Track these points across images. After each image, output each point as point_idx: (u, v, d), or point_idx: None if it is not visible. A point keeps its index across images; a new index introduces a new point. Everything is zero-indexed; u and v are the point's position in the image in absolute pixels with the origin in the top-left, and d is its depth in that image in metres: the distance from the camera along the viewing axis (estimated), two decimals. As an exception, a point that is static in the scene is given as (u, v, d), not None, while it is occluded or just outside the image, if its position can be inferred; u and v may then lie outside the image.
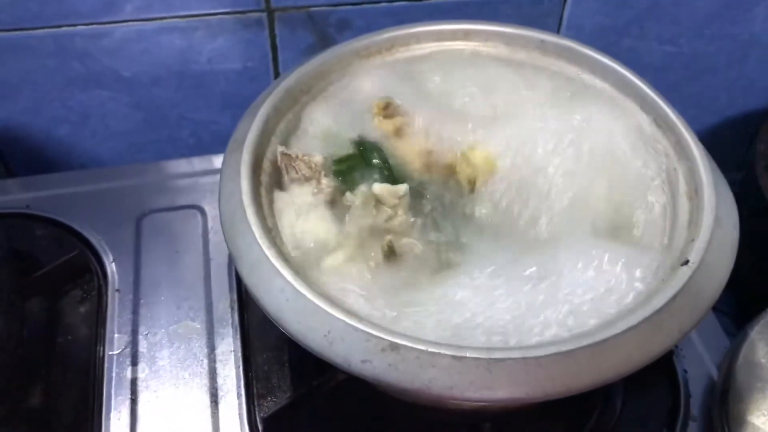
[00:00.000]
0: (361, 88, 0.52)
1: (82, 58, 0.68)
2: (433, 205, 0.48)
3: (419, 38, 0.55)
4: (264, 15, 0.68)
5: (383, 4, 0.69)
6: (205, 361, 0.55)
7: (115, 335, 0.56)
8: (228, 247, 0.43)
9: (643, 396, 0.55)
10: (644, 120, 0.50)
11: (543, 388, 0.37)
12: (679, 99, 0.59)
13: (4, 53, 0.66)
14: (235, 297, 0.59)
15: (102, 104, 0.72)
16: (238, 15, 0.68)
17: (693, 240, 0.42)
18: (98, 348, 0.55)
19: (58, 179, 0.67)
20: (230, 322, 0.57)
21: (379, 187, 0.46)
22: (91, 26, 0.66)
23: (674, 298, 0.39)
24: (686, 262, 0.40)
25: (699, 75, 0.83)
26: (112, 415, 0.52)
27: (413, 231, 0.46)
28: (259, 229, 0.42)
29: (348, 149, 0.49)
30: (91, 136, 0.75)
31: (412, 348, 0.37)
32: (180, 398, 0.53)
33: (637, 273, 0.42)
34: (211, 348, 0.56)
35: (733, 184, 0.47)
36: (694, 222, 0.43)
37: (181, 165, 0.68)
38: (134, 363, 0.54)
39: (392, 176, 0.48)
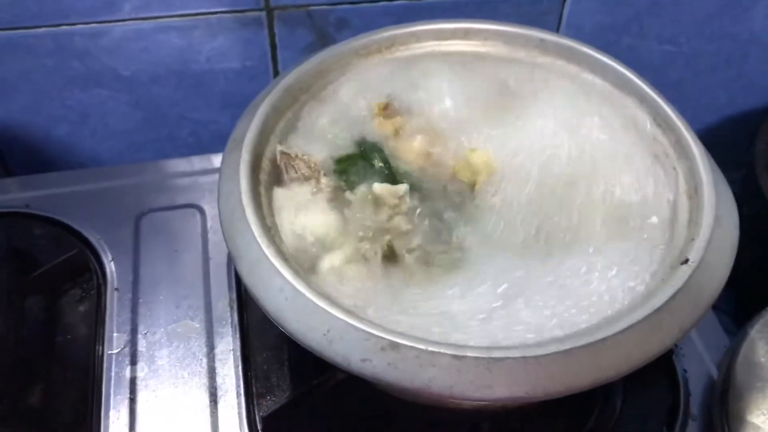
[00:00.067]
0: (360, 87, 0.52)
1: (82, 57, 0.68)
2: (433, 206, 0.47)
3: (419, 37, 0.55)
4: (263, 14, 0.68)
5: (382, 3, 0.69)
6: (205, 361, 0.55)
7: (114, 334, 0.56)
8: (227, 246, 0.43)
9: (643, 395, 0.55)
10: (644, 119, 0.50)
11: (543, 387, 0.37)
12: (679, 98, 0.59)
13: (3, 52, 0.66)
14: (234, 296, 0.58)
15: (101, 103, 0.72)
16: (237, 14, 0.68)
17: (693, 239, 0.42)
18: (97, 347, 0.55)
19: (57, 178, 0.67)
20: (229, 321, 0.57)
21: (379, 187, 0.46)
22: (90, 25, 0.66)
23: (674, 297, 0.39)
24: (686, 261, 0.40)
25: (699, 74, 0.83)
26: (111, 414, 0.52)
27: (413, 231, 0.46)
28: (259, 228, 0.42)
29: (347, 148, 0.49)
30: (91, 135, 0.75)
31: (411, 347, 0.37)
32: (179, 397, 0.53)
33: (637, 272, 0.42)
34: (211, 347, 0.55)
35: (733, 184, 0.47)
36: (693, 221, 0.43)
37: (180, 164, 0.68)
38: (133, 362, 0.54)
39: (392, 176, 0.48)
